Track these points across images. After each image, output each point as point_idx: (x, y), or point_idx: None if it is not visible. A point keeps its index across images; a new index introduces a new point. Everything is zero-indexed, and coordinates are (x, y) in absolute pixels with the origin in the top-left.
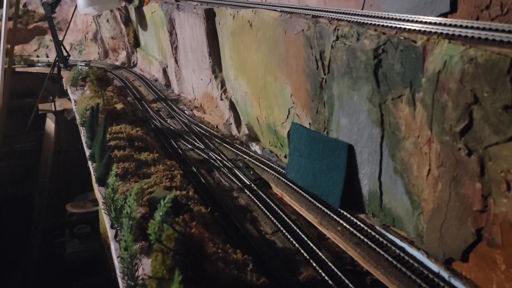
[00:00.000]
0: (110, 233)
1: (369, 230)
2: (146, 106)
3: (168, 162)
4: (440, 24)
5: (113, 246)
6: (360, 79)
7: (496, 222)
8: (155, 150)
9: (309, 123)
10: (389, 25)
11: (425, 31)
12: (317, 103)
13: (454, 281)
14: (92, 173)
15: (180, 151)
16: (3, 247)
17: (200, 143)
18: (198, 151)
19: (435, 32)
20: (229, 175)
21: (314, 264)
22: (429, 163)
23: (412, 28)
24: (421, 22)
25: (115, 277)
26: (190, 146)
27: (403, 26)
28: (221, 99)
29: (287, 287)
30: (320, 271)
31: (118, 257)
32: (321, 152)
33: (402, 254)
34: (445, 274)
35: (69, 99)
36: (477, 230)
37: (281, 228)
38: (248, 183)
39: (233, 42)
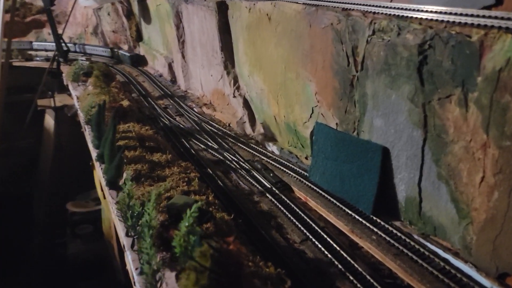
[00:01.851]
0: (126, 241)
1: (408, 240)
2: (153, 103)
3: (182, 163)
4: (497, 17)
5: (129, 256)
6: (400, 77)
7: None
8: (167, 150)
9: (336, 123)
10: (436, 18)
11: (479, 24)
12: (346, 102)
13: None
14: (101, 175)
15: (192, 151)
16: (3, 247)
17: (213, 143)
18: (211, 151)
19: (493, 26)
20: (247, 177)
21: (351, 278)
22: (483, 170)
23: (464, 21)
24: (473, 15)
25: (121, 279)
26: (202, 146)
27: (452, 20)
28: (234, 96)
29: None
30: (358, 285)
31: (137, 269)
32: (351, 155)
33: (447, 267)
34: None
35: (70, 95)
36: None
37: (310, 237)
38: (269, 186)
39: (249, 36)
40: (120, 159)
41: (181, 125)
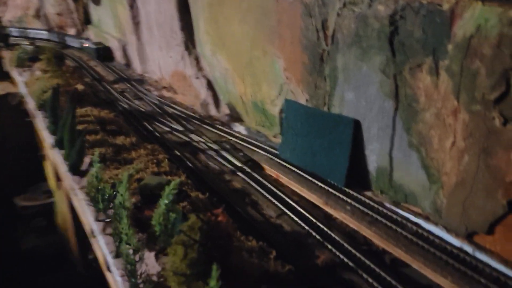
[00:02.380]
0: (96, 226)
1: (380, 208)
2: (108, 87)
3: (149, 146)
4: None
5: (102, 240)
6: (371, 49)
7: None
8: (131, 133)
9: (306, 99)
10: None
11: None
12: (316, 77)
13: (479, 255)
14: (60, 162)
15: (157, 134)
16: None
17: (177, 125)
18: (177, 134)
19: None
20: (216, 157)
21: (329, 246)
22: (454, 135)
23: None
24: None
25: (81, 271)
26: (167, 129)
27: None
28: (197, 78)
29: (308, 273)
30: (337, 252)
31: (111, 252)
32: (322, 129)
33: (419, 230)
34: (468, 248)
35: (12, 82)
36: (508, 202)
37: (286, 211)
38: (240, 165)
39: (210, 14)
40: (82, 143)
41: (142, 109)
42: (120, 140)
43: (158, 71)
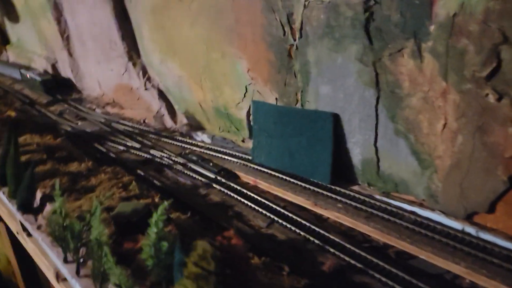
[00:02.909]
0: (66, 269)
1: (372, 201)
2: (43, 110)
3: (108, 169)
4: None
5: (77, 285)
6: (345, 38)
7: None
8: (85, 158)
9: (276, 98)
10: None
11: None
12: (285, 74)
13: (483, 235)
14: (4, 201)
15: (112, 154)
16: None
17: (133, 142)
18: (135, 152)
19: None
20: (185, 171)
21: (331, 250)
22: (445, 117)
23: None
24: None
25: None
26: (122, 148)
27: None
28: (146, 89)
29: (320, 282)
30: (341, 255)
31: None
32: (298, 128)
33: (418, 219)
34: (471, 229)
35: None
36: (509, 178)
37: (275, 218)
38: (213, 177)
39: (155, 21)
40: (31, 176)
41: (88, 130)
42: (73, 167)
43: (97, 87)
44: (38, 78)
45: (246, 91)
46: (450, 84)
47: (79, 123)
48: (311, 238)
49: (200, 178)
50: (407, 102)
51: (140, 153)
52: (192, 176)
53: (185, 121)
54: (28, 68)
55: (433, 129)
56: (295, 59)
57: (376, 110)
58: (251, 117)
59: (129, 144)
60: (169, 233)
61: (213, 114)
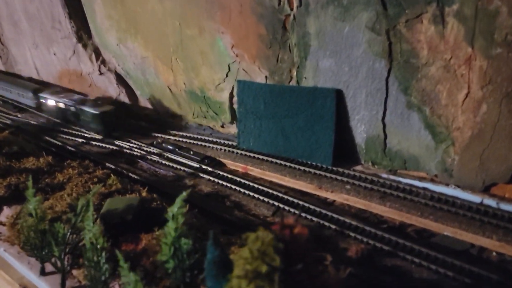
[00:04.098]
0: (47, 283)
1: (382, 180)
2: None
3: (74, 163)
4: None
5: None
6: (355, 5)
7: None
8: (41, 152)
9: (266, 77)
10: None
11: None
12: (277, 49)
13: (504, 206)
14: None
15: (70, 148)
16: None
17: (92, 134)
18: (97, 143)
19: None
20: (163, 162)
21: (351, 234)
22: (468, 86)
23: None
24: None
25: None
26: (80, 140)
27: None
28: (100, 74)
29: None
30: (364, 239)
31: None
32: (293, 107)
33: (435, 195)
34: (491, 202)
35: None
36: None
37: (280, 206)
38: (197, 166)
39: None
40: None
41: (33, 122)
42: (30, 163)
43: (35, 74)
44: (93, 110)
45: (229, 70)
46: (476, 50)
47: (19, 115)
48: (326, 223)
49: (182, 168)
50: (424, 72)
51: (104, 145)
52: (172, 167)
53: (149, 107)
54: (54, 92)
55: (453, 100)
56: (291, 31)
57: (387, 82)
58: (234, 99)
59: (87, 135)
60: (189, 229)
61: (186, 98)
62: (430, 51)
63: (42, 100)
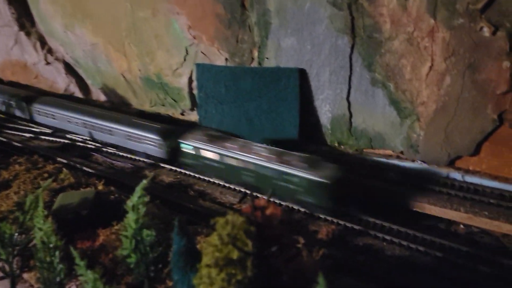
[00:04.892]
0: None
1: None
2: None
3: (21, 159)
4: None
5: None
6: None
7: None
8: None
9: (226, 59)
10: None
11: None
12: (236, 29)
13: (469, 178)
14: None
15: (17, 144)
16: None
17: (40, 128)
18: (47, 138)
19: None
20: (120, 153)
21: (321, 216)
22: (432, 58)
23: None
24: None
25: None
26: (28, 135)
27: None
28: (47, 64)
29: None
30: (335, 220)
31: None
32: (256, 89)
33: (400, 172)
34: (456, 175)
35: None
36: (498, 115)
37: (247, 192)
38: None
39: None
40: None
41: None
42: None
43: None
44: (320, 178)
45: (187, 53)
46: (439, 21)
47: None
48: (301, 209)
49: (141, 159)
50: (388, 46)
51: (55, 139)
52: (130, 158)
53: (103, 97)
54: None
55: (417, 74)
56: (250, 9)
57: (350, 59)
58: (193, 84)
59: (36, 129)
60: (152, 219)
61: (142, 85)
62: (393, 25)
63: (187, 150)
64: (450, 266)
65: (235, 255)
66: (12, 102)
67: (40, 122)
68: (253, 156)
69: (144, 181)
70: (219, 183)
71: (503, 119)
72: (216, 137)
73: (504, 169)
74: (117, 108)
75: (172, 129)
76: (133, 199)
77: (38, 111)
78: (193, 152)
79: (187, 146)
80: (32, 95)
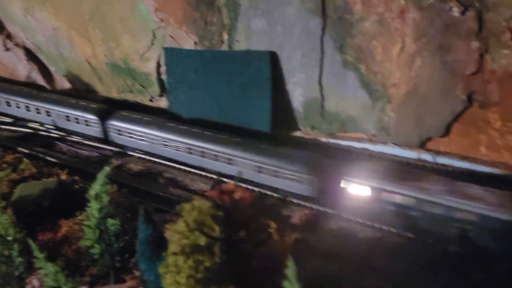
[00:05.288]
0: None
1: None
2: None
3: None
4: None
5: None
6: None
7: (492, 79)
8: None
9: (195, 42)
10: None
11: None
12: (205, 11)
13: (440, 159)
14: None
15: None
16: None
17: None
18: (7, 127)
19: None
20: (85, 142)
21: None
22: (402, 39)
23: None
24: None
25: None
26: None
27: None
28: (6, 49)
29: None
30: (308, 205)
31: None
32: (227, 74)
33: (373, 155)
34: (428, 156)
35: None
36: (468, 96)
37: (220, 178)
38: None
39: None
40: None
41: None
42: None
43: None
44: None
45: (154, 37)
46: (409, 1)
47: None
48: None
49: (108, 147)
50: (359, 28)
51: (17, 128)
52: (96, 147)
53: (67, 85)
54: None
55: (388, 55)
56: None
57: (322, 41)
58: (162, 69)
59: None
60: (117, 208)
61: (108, 71)
62: (364, 5)
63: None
64: (421, 246)
65: (202, 241)
66: None
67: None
68: (473, 203)
69: (107, 168)
70: (189, 171)
71: (472, 100)
72: (403, 172)
73: (473, 149)
74: (83, 96)
75: (319, 158)
76: (95, 187)
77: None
78: (368, 195)
79: (359, 187)
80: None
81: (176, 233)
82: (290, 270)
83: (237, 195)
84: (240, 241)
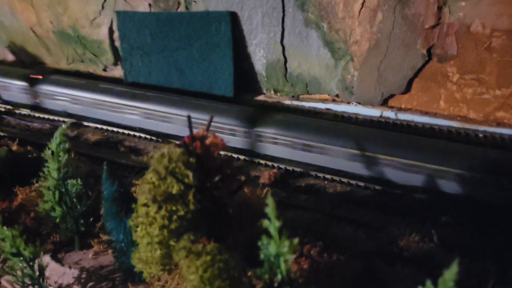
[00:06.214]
0: None
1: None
2: None
3: None
4: None
5: None
6: None
7: (450, 32)
8: None
9: (149, 4)
10: None
11: None
12: None
13: (402, 116)
14: None
15: None
16: None
17: None
18: None
19: None
20: (37, 115)
21: (263, 162)
22: None
23: None
24: None
25: None
26: None
27: None
28: None
29: None
30: (276, 165)
31: None
32: (185, 37)
33: (338, 115)
34: (390, 113)
35: None
36: (427, 50)
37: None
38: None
39: None
40: None
41: None
42: None
43: None
44: None
45: (105, 0)
46: None
47: None
48: (241, 157)
49: (61, 118)
50: None
51: None
52: (48, 119)
53: (10, 57)
54: None
55: (349, 11)
56: None
57: (282, 0)
58: (115, 35)
59: None
60: (77, 168)
61: (56, 40)
62: None
63: None
64: (389, 197)
65: (174, 189)
66: None
67: None
68: None
69: (63, 126)
70: (151, 138)
71: (431, 54)
72: None
73: (433, 104)
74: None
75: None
76: (52, 146)
77: None
78: None
79: None
80: None
81: (145, 184)
82: (270, 208)
83: (208, 141)
84: (214, 188)
